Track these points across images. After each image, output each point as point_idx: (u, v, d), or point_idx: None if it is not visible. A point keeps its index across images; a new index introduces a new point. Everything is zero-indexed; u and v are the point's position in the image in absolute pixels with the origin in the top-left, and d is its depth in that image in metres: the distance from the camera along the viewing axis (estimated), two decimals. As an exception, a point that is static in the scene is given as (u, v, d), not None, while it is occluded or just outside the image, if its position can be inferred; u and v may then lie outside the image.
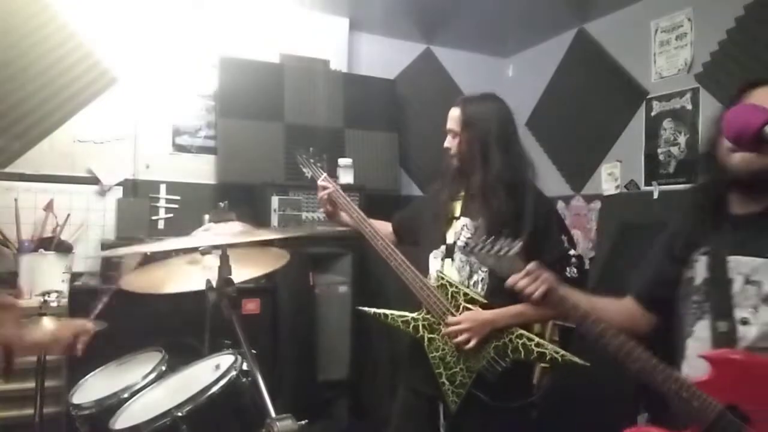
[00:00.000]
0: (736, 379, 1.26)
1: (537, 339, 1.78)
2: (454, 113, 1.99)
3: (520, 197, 1.86)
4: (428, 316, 1.88)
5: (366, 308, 2.00)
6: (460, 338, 1.80)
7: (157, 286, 1.90)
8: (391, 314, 1.93)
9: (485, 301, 1.82)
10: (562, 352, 1.74)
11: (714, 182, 1.45)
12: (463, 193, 1.99)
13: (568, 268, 1.84)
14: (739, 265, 1.35)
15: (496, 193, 1.85)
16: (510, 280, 1.51)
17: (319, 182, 2.16)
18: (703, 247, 1.42)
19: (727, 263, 1.36)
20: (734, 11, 3.00)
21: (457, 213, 1.97)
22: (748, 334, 1.30)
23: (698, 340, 1.38)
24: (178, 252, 2.01)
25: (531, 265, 1.48)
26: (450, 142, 1.99)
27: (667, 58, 3.39)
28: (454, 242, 1.93)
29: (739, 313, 1.32)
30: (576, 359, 1.73)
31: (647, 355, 1.33)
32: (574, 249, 1.89)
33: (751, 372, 1.26)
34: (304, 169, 2.25)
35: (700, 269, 1.41)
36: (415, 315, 1.91)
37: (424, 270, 1.95)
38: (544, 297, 1.46)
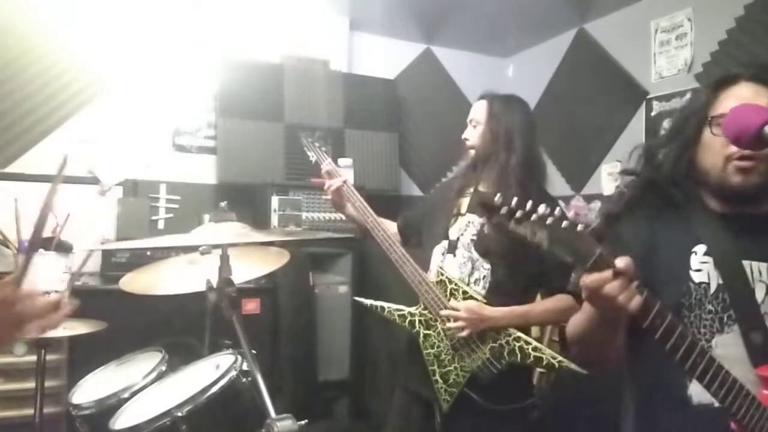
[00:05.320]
0: None
1: (535, 343, 1.76)
2: (480, 105, 1.99)
3: (530, 196, 1.86)
4: (425, 312, 1.88)
5: (363, 299, 2.01)
6: (455, 324, 1.79)
7: (156, 287, 1.90)
8: (388, 307, 1.93)
9: (484, 301, 1.82)
10: (560, 357, 1.72)
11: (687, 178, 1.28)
12: (471, 190, 1.98)
13: None
14: (759, 271, 1.18)
15: (509, 188, 1.83)
16: (592, 280, 0.98)
17: (325, 168, 2.12)
18: (698, 244, 1.22)
19: (742, 268, 1.18)
20: (734, 11, 3.00)
21: (463, 209, 1.96)
22: None
23: (721, 358, 1.07)
24: (177, 251, 2.02)
25: (622, 262, 0.98)
26: (469, 133, 1.99)
27: (667, 58, 3.39)
28: (458, 238, 1.93)
29: None
30: (573, 366, 1.68)
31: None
32: None
33: None
34: (309, 153, 2.20)
35: (710, 273, 1.19)
36: (412, 310, 1.90)
37: (425, 265, 1.95)
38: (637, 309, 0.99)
